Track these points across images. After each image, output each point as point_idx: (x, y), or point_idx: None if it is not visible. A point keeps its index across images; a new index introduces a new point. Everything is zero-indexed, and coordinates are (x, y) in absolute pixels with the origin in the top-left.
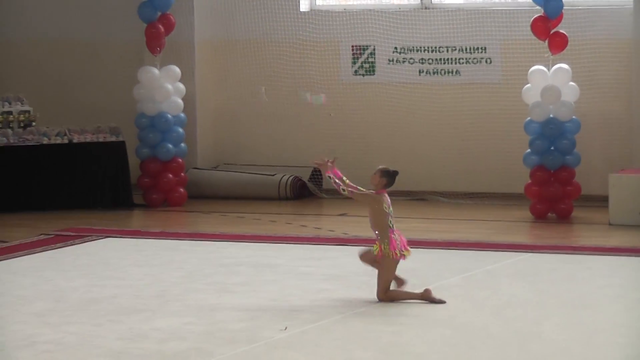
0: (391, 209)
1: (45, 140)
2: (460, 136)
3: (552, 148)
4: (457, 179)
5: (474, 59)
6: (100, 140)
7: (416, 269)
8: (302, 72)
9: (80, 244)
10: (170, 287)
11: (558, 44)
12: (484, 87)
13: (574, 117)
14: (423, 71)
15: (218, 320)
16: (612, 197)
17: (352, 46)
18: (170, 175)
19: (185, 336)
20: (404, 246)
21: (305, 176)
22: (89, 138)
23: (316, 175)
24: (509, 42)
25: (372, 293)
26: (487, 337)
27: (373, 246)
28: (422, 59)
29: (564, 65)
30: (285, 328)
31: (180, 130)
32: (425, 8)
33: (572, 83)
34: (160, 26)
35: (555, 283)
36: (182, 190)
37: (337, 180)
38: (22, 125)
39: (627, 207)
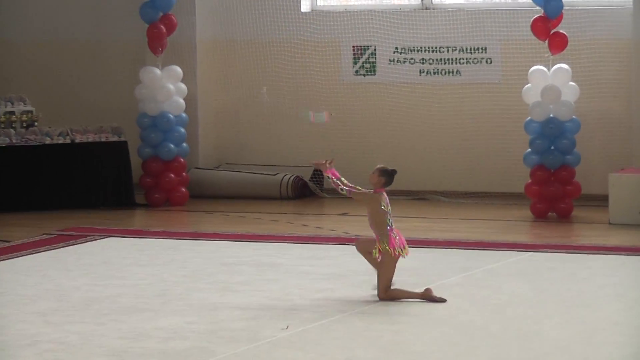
0: (390, 207)
1: (47, 140)
2: (461, 136)
3: (552, 148)
4: (457, 178)
5: (475, 59)
6: (103, 140)
7: (417, 268)
8: (303, 72)
9: (83, 244)
10: (172, 286)
11: (558, 44)
12: (484, 87)
13: (574, 116)
14: (424, 71)
15: (220, 319)
16: (612, 196)
17: (353, 46)
18: (172, 175)
19: (187, 335)
20: (403, 245)
21: (307, 176)
22: (91, 138)
23: (317, 175)
24: (509, 42)
25: (372, 292)
26: (487, 336)
27: (373, 250)
28: (422, 59)
29: (564, 65)
30: (287, 327)
31: (182, 130)
32: (426, 8)
33: (572, 83)
34: (162, 26)
35: (556, 282)
36: (183, 189)
37: (335, 180)
38: (24, 125)
39: (627, 207)
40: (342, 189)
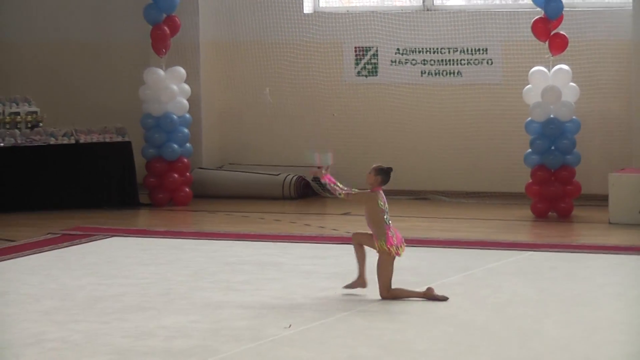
0: (387, 205)
1: (52, 141)
2: (462, 136)
3: (553, 148)
4: (458, 178)
5: (476, 60)
6: (107, 140)
7: (418, 267)
8: (305, 73)
9: (87, 243)
10: (175, 285)
11: (558, 45)
12: (485, 88)
13: (574, 117)
14: (425, 72)
15: (223, 318)
16: (611, 196)
17: (355, 47)
18: (176, 175)
19: (190, 334)
20: (400, 243)
21: (309, 176)
22: (95, 138)
23: (317, 178)
24: (510, 43)
25: (374, 291)
26: (488, 335)
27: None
28: (424, 60)
29: (564, 66)
30: (290, 326)
31: (186, 130)
32: (427, 10)
33: (572, 84)
34: (165, 28)
35: (556, 281)
36: (187, 189)
37: (332, 186)
38: (29, 125)
39: (627, 206)
40: (339, 194)
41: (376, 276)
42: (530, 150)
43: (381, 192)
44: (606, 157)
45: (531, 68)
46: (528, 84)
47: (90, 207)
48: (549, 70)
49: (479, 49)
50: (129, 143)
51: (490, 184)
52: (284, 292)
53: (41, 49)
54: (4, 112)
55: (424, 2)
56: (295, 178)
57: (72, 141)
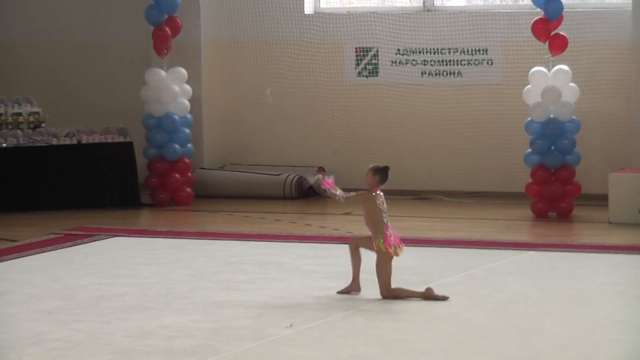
0: (385, 205)
1: (54, 141)
2: (462, 136)
3: (553, 148)
4: (459, 178)
5: (476, 60)
6: (109, 140)
7: (418, 266)
8: (306, 73)
9: (89, 243)
10: (177, 285)
11: (558, 45)
12: (485, 88)
13: (574, 117)
14: (425, 72)
15: (224, 317)
16: (611, 195)
17: (356, 48)
18: (177, 175)
19: (192, 333)
20: (398, 243)
21: (312, 178)
22: (97, 139)
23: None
24: (510, 43)
25: (375, 290)
26: (488, 334)
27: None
28: (424, 60)
29: (564, 67)
30: (291, 325)
31: (187, 130)
32: (428, 11)
33: (572, 84)
34: (167, 29)
35: (556, 280)
36: (188, 189)
37: (332, 191)
38: (31, 126)
39: (627, 206)
40: (339, 199)
41: (376, 276)
42: (530, 150)
43: (380, 192)
44: (606, 157)
45: (531, 68)
46: (528, 84)
47: (92, 207)
48: (549, 71)
49: (479, 50)
50: (130, 143)
51: (491, 183)
52: (285, 292)
53: (43, 49)
54: (6, 112)
55: (424, 2)
56: (296, 178)
57: (74, 142)
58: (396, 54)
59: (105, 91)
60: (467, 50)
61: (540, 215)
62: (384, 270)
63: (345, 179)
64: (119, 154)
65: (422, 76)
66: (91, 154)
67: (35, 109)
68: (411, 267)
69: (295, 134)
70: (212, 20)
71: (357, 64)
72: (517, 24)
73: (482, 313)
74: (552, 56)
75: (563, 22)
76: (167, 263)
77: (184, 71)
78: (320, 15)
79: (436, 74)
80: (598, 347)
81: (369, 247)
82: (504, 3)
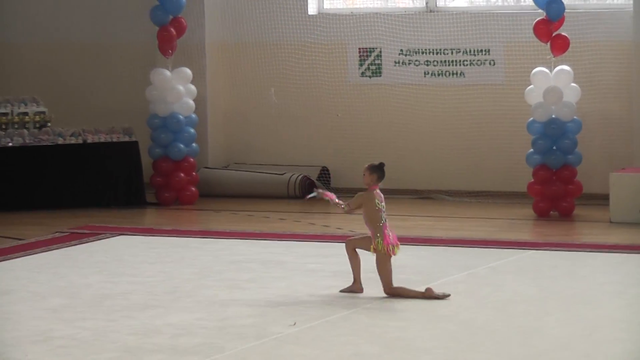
0: (384, 204)
1: (60, 141)
2: (464, 136)
3: (554, 147)
4: (461, 177)
5: (478, 60)
6: (114, 140)
7: (421, 265)
8: (310, 73)
9: (95, 242)
10: (181, 283)
11: (560, 46)
12: (487, 88)
13: (575, 117)
14: (428, 73)
15: (228, 316)
16: (612, 195)
17: (359, 48)
18: (182, 175)
19: (196, 331)
20: (395, 242)
21: (314, 175)
22: (102, 138)
23: (325, 174)
24: (512, 44)
25: (377, 289)
26: (490, 333)
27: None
28: (427, 60)
29: (566, 67)
30: (294, 323)
31: (192, 130)
32: (430, 11)
33: (573, 84)
34: (172, 29)
35: (557, 280)
36: (193, 189)
37: (334, 200)
38: (37, 125)
39: (628, 205)
40: (343, 207)
41: (377, 275)
42: (532, 150)
43: (379, 191)
44: (607, 156)
45: (533, 69)
46: (530, 84)
47: (97, 206)
48: (550, 71)
49: (481, 50)
50: (135, 143)
51: (493, 183)
52: (288, 291)
53: (49, 50)
54: (12, 112)
55: (427, 3)
56: (300, 177)
57: (80, 141)
58: (399, 54)
59: (110, 91)
60: (470, 51)
61: (542, 215)
62: (384, 268)
63: (348, 179)
64: (124, 154)
65: (424, 76)
66: (96, 154)
67: (41, 109)
68: (413, 266)
69: (299, 133)
70: (216, 21)
71: (361, 64)
72: (519, 24)
73: (483, 312)
74: (554, 57)
75: (565, 23)
76: (172, 261)
77: (188, 71)
78: (323, 16)
79: (439, 74)
80: (599, 346)
81: (366, 248)
82: (506, 4)
